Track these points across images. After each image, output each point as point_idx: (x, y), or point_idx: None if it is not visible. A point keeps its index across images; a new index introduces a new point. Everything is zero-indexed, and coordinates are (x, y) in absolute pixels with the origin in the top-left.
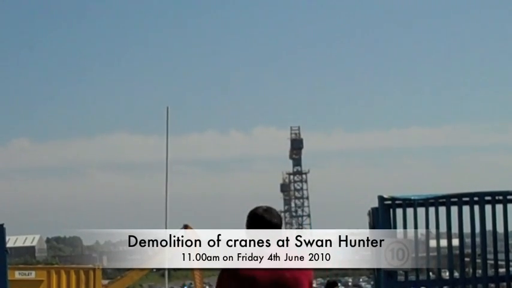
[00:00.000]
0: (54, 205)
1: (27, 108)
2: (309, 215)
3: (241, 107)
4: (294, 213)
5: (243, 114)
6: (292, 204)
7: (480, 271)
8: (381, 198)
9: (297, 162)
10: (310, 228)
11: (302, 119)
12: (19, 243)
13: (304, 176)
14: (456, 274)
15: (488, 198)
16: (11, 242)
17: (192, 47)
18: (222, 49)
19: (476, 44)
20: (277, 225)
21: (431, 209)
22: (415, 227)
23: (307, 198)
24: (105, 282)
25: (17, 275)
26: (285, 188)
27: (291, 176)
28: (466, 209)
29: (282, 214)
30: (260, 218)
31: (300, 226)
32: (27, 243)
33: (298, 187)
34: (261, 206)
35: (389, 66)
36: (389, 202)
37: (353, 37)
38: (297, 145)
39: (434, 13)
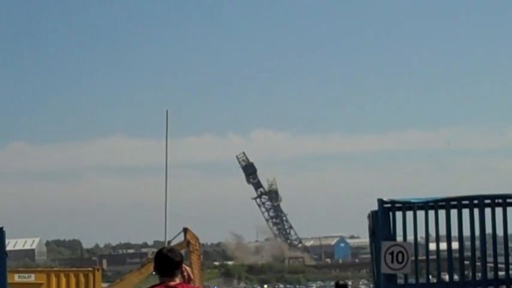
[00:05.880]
0: (53, 208)
1: (25, 111)
2: (291, 227)
3: (239, 110)
4: (279, 225)
5: (241, 117)
6: (272, 224)
7: (480, 274)
8: (381, 201)
9: (256, 185)
10: (299, 239)
11: (300, 121)
12: (19, 246)
13: (270, 195)
14: (456, 277)
15: (487, 201)
16: (11, 245)
17: (191, 50)
18: (220, 53)
19: (474, 46)
20: (179, 263)
21: (431, 212)
22: (415, 230)
23: (282, 212)
24: (105, 285)
25: (17, 278)
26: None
27: (257, 199)
28: (465, 212)
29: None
30: (164, 257)
31: (288, 241)
32: (27, 246)
33: (268, 207)
34: (165, 246)
35: (387, 69)
36: (389, 205)
37: (351, 39)
38: (250, 170)
39: (432, 15)
